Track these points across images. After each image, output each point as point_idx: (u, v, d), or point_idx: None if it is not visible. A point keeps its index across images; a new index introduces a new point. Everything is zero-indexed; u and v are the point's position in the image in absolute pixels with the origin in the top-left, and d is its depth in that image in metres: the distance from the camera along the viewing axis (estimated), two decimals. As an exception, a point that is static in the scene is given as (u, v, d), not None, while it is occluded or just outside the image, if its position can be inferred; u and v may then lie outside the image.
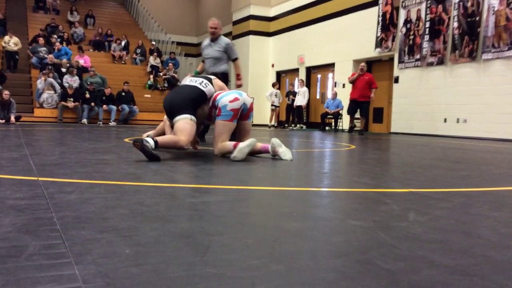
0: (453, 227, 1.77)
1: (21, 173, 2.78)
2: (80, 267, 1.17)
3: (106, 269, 1.16)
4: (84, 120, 12.97)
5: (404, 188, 2.71)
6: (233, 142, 4.11)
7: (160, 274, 1.15)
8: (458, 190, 2.76)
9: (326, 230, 1.69)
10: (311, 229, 1.69)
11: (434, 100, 11.94)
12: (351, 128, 11.90)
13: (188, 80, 4.44)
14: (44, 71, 13.58)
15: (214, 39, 6.12)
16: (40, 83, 13.31)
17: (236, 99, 4.18)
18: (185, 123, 4.06)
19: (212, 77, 4.57)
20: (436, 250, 1.44)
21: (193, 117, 4.11)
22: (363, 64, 11.70)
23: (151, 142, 3.69)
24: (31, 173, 2.79)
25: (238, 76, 6.33)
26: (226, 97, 4.20)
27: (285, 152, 4.16)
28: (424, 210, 2.06)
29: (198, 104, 4.25)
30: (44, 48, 15.12)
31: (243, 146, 3.94)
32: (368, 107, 11.81)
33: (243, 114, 4.30)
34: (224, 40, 6.18)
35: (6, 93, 11.55)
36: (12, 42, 14.96)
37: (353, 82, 11.50)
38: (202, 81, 4.34)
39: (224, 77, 5.88)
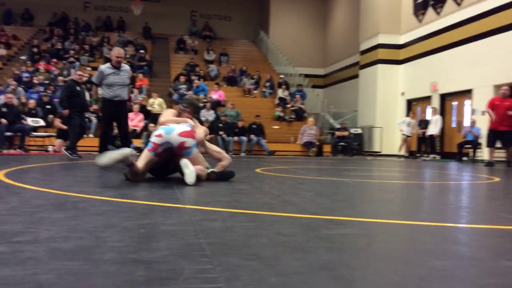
0: None
1: (170, 201, 3.05)
2: (231, 292, 1.24)
3: (255, 295, 1.22)
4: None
5: None
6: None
7: (307, 304, 1.17)
8: None
9: (477, 271, 1.58)
10: (459, 268, 1.59)
11: None
12: (491, 162, 10.04)
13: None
14: (184, 107, 14.74)
15: (119, 67, 7.02)
16: (180, 118, 14.44)
17: (159, 136, 4.17)
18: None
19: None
20: None
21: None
22: (505, 87, 10.22)
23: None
24: (178, 201, 3.04)
25: (130, 99, 7.77)
26: (157, 131, 4.24)
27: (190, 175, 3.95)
28: None
29: None
30: (184, 86, 16.49)
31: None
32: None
33: (174, 151, 4.21)
34: (126, 67, 7.21)
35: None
36: (156, 104, 14.79)
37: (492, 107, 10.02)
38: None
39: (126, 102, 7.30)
